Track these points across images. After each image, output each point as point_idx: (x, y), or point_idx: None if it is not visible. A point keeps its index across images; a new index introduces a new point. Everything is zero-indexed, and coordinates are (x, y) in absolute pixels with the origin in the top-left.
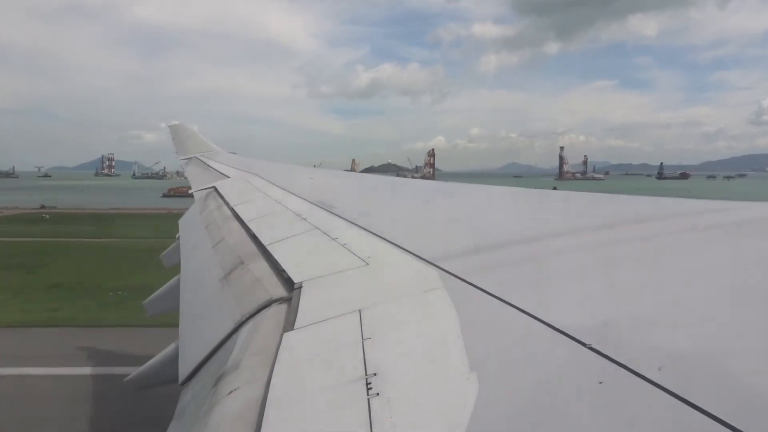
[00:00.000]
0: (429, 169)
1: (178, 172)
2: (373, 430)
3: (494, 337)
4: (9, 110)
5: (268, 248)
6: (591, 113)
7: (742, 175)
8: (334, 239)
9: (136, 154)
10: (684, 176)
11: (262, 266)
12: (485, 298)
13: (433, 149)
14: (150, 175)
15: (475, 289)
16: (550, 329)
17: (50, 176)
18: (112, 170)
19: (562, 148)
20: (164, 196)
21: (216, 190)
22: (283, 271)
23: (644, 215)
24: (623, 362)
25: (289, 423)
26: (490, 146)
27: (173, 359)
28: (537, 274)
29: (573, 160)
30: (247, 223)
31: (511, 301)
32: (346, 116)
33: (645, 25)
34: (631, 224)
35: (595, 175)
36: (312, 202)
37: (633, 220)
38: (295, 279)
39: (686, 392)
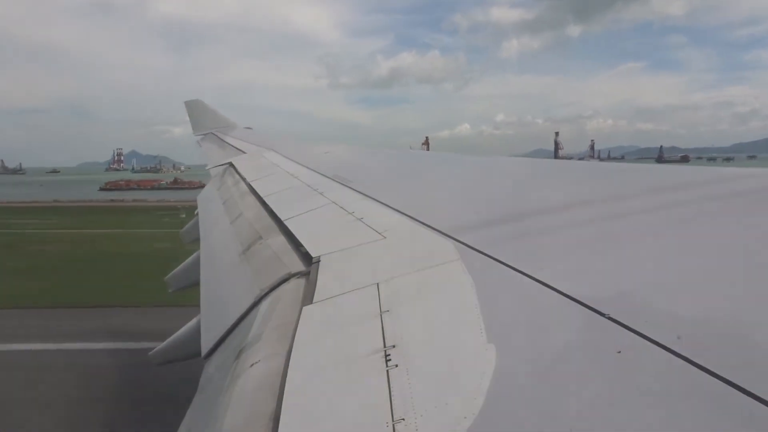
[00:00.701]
0: None
1: (174, 165)
2: (393, 401)
3: (512, 308)
4: (41, 109)
5: (286, 223)
6: (619, 96)
7: (752, 157)
8: (350, 213)
9: (164, 149)
10: (685, 159)
11: (280, 241)
12: (502, 269)
13: (427, 137)
14: (149, 168)
15: (492, 260)
16: (568, 300)
17: (59, 171)
18: (121, 165)
19: (557, 133)
20: (101, 189)
21: (232, 165)
22: (301, 245)
23: (662, 184)
24: (642, 331)
25: (309, 394)
26: (516, 132)
27: (195, 334)
28: (554, 245)
29: (599, 145)
30: (264, 198)
31: (528, 272)
32: (372, 106)
33: (669, 4)
34: (649, 193)
35: (591, 160)
36: (328, 177)
37: (651, 190)
38: (313, 253)
39: (706, 360)
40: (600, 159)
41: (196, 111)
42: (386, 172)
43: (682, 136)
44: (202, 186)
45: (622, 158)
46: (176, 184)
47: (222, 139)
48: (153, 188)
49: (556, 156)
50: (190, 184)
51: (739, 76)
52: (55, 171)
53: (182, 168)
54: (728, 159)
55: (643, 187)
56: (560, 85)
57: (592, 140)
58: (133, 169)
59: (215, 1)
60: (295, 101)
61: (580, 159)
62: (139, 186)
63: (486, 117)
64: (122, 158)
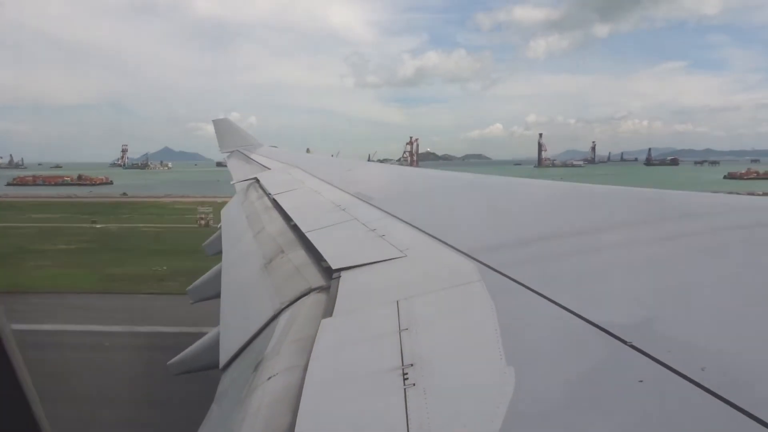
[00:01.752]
0: (407, 156)
1: (162, 162)
2: (409, 420)
3: (532, 332)
4: (86, 106)
5: (308, 236)
6: (654, 97)
7: (755, 161)
8: (372, 230)
9: (196, 146)
10: (674, 162)
11: (301, 255)
12: (523, 292)
13: (411, 137)
14: (140, 164)
15: (513, 282)
16: (590, 325)
17: (61, 167)
18: (126, 161)
19: (540, 135)
20: (8, 184)
21: (257, 181)
22: (322, 260)
23: (691, 211)
24: (665, 361)
25: (325, 408)
26: (548, 133)
27: (215, 345)
28: (577, 269)
29: (633, 146)
30: (288, 212)
31: (550, 296)
32: (404, 105)
33: (703, 3)
34: (674, 221)
35: (575, 162)
36: (351, 194)
37: (677, 217)
38: (334, 268)
39: (730, 393)
40: (608, 161)
41: (223, 129)
42: (408, 190)
43: (721, 138)
44: (107, 183)
45: (635, 160)
46: (81, 181)
47: (248, 156)
48: (57, 184)
49: (539, 156)
50: (92, 180)
51: None
52: (57, 166)
53: (169, 165)
54: (714, 163)
55: (669, 214)
56: (591, 86)
57: (594, 142)
58: (124, 165)
59: (251, 1)
60: (326, 100)
61: (581, 160)
62: (45, 182)
63: (517, 117)
64: (126, 155)
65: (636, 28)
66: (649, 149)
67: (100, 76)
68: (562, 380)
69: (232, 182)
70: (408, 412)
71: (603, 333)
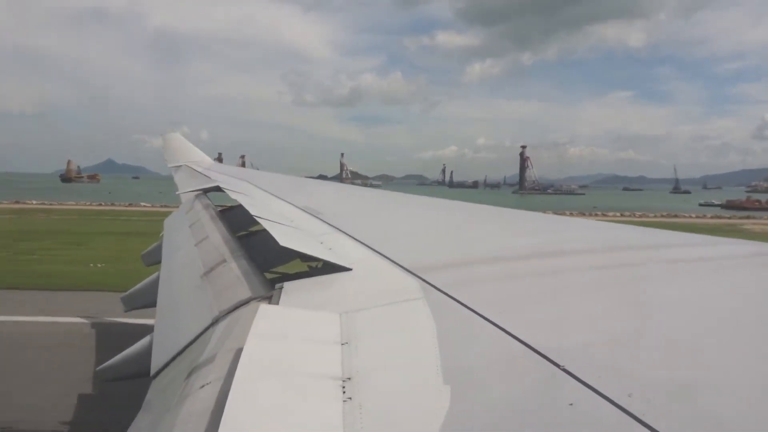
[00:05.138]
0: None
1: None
2: None
3: (470, 352)
4: (28, 115)
5: (259, 220)
6: (600, 125)
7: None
8: (319, 243)
9: (142, 158)
10: (475, 185)
11: (243, 265)
12: (465, 312)
13: (220, 154)
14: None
15: (455, 302)
16: (527, 348)
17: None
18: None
19: (342, 154)
20: None
21: (203, 193)
22: (266, 271)
23: (637, 242)
24: (594, 386)
25: (253, 417)
26: (497, 156)
27: (147, 352)
28: (518, 292)
29: (579, 171)
30: (246, 207)
31: (490, 318)
32: (360, 124)
33: (625, 35)
34: (621, 250)
35: (374, 183)
36: (299, 207)
37: (624, 246)
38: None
39: (653, 420)
40: (479, 184)
41: (172, 144)
42: (356, 207)
43: (663, 166)
44: None
45: (496, 185)
46: None
47: (194, 170)
48: None
49: (341, 174)
50: None
51: (724, 109)
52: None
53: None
54: (494, 186)
55: (616, 243)
56: (534, 111)
57: (444, 164)
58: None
59: (211, 15)
60: (281, 116)
61: (434, 182)
62: None
63: (467, 140)
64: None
65: (559, 59)
66: (451, 172)
67: (43, 84)
68: (496, 400)
69: (177, 192)
70: (344, 426)
71: (539, 356)
